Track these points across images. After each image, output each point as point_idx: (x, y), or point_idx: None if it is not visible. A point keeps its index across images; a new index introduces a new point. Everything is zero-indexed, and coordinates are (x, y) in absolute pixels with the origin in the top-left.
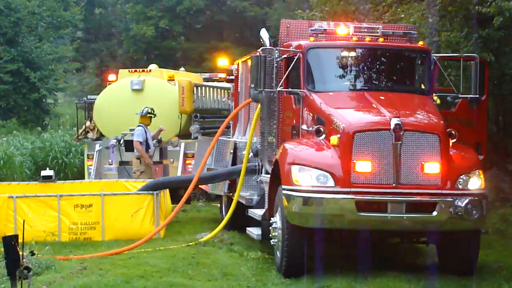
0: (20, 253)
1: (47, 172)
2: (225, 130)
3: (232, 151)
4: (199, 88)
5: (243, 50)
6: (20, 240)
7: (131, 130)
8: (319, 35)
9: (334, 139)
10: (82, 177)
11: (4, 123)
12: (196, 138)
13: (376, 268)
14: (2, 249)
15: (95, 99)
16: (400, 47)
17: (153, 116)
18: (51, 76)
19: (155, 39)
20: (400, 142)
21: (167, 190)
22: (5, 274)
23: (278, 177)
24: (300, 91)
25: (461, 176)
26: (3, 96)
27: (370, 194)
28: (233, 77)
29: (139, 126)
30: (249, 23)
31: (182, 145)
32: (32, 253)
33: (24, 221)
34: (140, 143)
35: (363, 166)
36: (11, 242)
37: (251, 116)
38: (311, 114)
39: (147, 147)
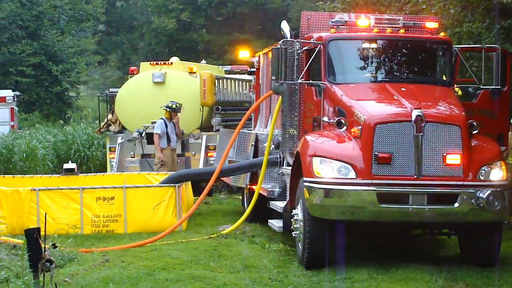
0: (43, 246)
1: (70, 165)
2: (247, 122)
3: (253, 143)
4: (220, 80)
5: (264, 42)
6: (42, 233)
7: (153, 123)
8: (340, 26)
9: (355, 131)
10: (104, 170)
11: (26, 116)
12: (217, 130)
13: (397, 260)
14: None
15: (117, 92)
16: (421, 38)
17: (169, 110)
18: (73, 69)
19: (177, 31)
20: (421, 134)
21: (189, 182)
22: (28, 267)
23: (299, 169)
24: (321, 83)
25: (483, 168)
26: (25, 90)
27: (392, 186)
28: (254, 69)
29: (160, 119)
30: (270, 15)
31: (204, 137)
32: (55, 246)
33: (46, 214)
34: (159, 135)
35: (384, 158)
36: (33, 235)
37: (273, 108)
38: (332, 106)
39: (168, 140)
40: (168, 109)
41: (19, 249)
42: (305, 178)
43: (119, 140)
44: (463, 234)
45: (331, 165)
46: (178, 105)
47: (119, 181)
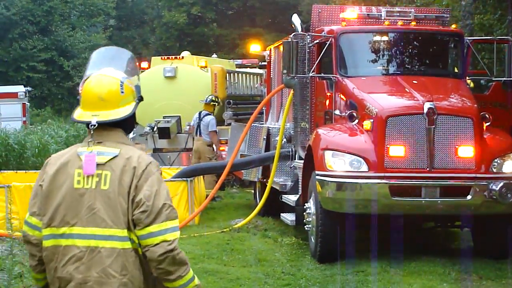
0: None
1: None
2: (258, 116)
3: (265, 137)
4: (231, 74)
5: (275, 36)
6: None
7: (164, 117)
8: (351, 20)
9: (367, 124)
10: None
11: (38, 112)
12: (229, 124)
13: (410, 253)
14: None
15: None
16: (432, 30)
17: (216, 104)
18: (84, 65)
19: (187, 26)
20: (433, 126)
21: (201, 176)
22: None
23: (311, 163)
24: (332, 76)
25: (496, 160)
26: (37, 85)
27: (404, 178)
28: (265, 63)
29: (208, 114)
30: (281, 9)
31: None
32: None
33: None
34: (216, 132)
35: (396, 150)
36: None
37: (284, 102)
38: (344, 99)
39: (200, 134)
40: (216, 103)
41: None
42: (317, 172)
43: (131, 134)
44: (476, 226)
45: (343, 158)
46: (217, 98)
47: None
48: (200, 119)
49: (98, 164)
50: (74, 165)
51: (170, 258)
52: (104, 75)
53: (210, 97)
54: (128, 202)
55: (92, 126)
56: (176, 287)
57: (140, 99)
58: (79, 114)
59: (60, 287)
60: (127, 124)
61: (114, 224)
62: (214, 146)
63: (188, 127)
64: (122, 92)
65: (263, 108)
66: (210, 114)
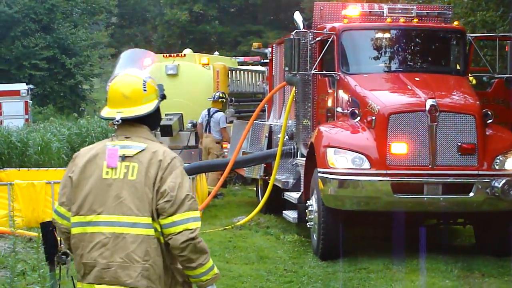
0: (58, 238)
1: None
2: (260, 113)
3: (267, 134)
4: (233, 72)
5: (277, 33)
6: None
7: (167, 114)
8: (353, 17)
9: (369, 121)
10: None
11: (40, 110)
12: (231, 122)
13: (412, 250)
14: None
15: None
16: (435, 27)
17: (224, 100)
18: (86, 62)
19: (189, 23)
20: (435, 124)
21: (203, 174)
22: (43, 260)
23: (313, 160)
24: (334, 73)
25: (498, 157)
26: (39, 83)
27: (406, 176)
28: (267, 60)
29: (218, 111)
30: (283, 6)
31: None
32: None
33: None
34: (225, 128)
35: (398, 148)
36: (49, 228)
37: (286, 100)
38: (346, 97)
39: (209, 131)
40: (224, 99)
41: (34, 242)
42: (319, 169)
43: None
44: (478, 223)
45: (346, 155)
46: (224, 95)
47: None
48: (210, 116)
49: (126, 156)
50: (103, 157)
51: (192, 246)
52: (129, 74)
53: (218, 94)
54: (153, 193)
55: (116, 122)
56: (197, 274)
57: (163, 97)
58: (105, 111)
59: (85, 273)
60: (151, 121)
61: (140, 212)
62: (221, 143)
63: (190, 124)
64: (145, 91)
65: (265, 105)
66: (219, 111)
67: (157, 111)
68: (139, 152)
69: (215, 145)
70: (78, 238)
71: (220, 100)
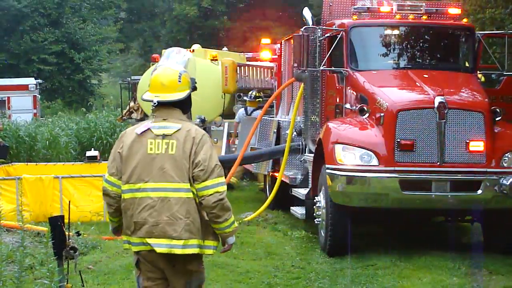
0: (66, 233)
1: (92, 152)
2: (269, 109)
3: (275, 130)
4: (242, 67)
5: (286, 29)
6: (66, 221)
7: None
8: (362, 13)
9: (377, 117)
10: None
11: (49, 104)
12: None
13: (420, 247)
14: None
15: (139, 79)
16: (444, 24)
17: (261, 99)
18: (95, 57)
19: (198, 19)
20: (444, 121)
21: None
22: (52, 254)
23: (321, 156)
24: (343, 70)
25: (506, 154)
26: (48, 77)
27: (414, 172)
28: (276, 56)
29: (255, 110)
30: (292, 2)
31: (226, 124)
32: (78, 233)
33: (69, 201)
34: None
35: (407, 144)
36: (57, 222)
37: (294, 96)
38: (355, 93)
39: None
40: (258, 99)
41: (42, 237)
42: (327, 165)
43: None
44: (486, 221)
45: (354, 152)
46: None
47: None
48: (248, 115)
49: (166, 135)
50: (147, 136)
51: (221, 205)
52: (168, 67)
53: (254, 93)
54: (189, 163)
55: (154, 104)
56: (222, 227)
57: (194, 88)
58: (146, 95)
59: (135, 228)
60: (184, 105)
61: (180, 180)
62: None
63: (198, 120)
64: (180, 81)
65: (274, 101)
66: (257, 109)
67: (188, 98)
68: (176, 131)
69: None
70: (128, 202)
71: (257, 99)
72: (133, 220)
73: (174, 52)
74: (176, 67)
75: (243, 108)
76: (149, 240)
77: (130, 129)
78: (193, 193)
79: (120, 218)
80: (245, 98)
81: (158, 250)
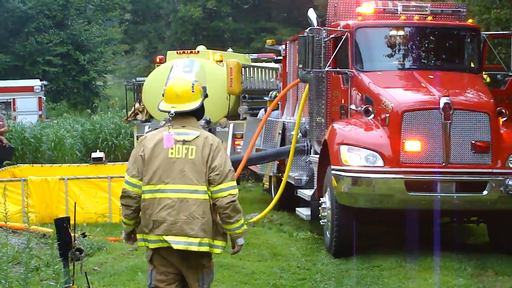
0: (72, 235)
1: (98, 154)
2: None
3: (280, 131)
4: (247, 69)
5: (291, 30)
6: (71, 222)
7: None
8: (367, 14)
9: (383, 118)
10: None
11: (54, 106)
12: (244, 119)
13: (425, 248)
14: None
15: (144, 81)
16: (449, 25)
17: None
18: (100, 59)
19: (203, 20)
20: (449, 121)
21: None
22: (57, 256)
23: (327, 157)
24: (348, 71)
25: None
26: (53, 79)
27: (420, 173)
28: (281, 57)
29: (275, 110)
30: (297, 3)
31: (231, 126)
32: (84, 235)
33: (75, 203)
34: None
35: (412, 145)
36: (63, 224)
37: (300, 97)
38: (360, 94)
39: None
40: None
41: (48, 238)
42: (332, 166)
43: (147, 129)
44: (492, 222)
45: (359, 153)
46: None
47: None
48: None
49: (185, 141)
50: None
51: (233, 206)
52: (181, 78)
53: (275, 93)
54: (207, 168)
55: (171, 114)
56: (233, 228)
57: (206, 96)
58: (162, 105)
59: (153, 227)
60: (198, 113)
61: (198, 182)
62: None
63: (203, 121)
64: (193, 91)
65: (279, 102)
66: (276, 109)
67: (201, 106)
68: (195, 138)
69: None
70: (148, 202)
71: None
72: (152, 219)
73: (184, 62)
74: (188, 77)
75: (263, 109)
76: (167, 238)
77: (150, 134)
78: (209, 195)
79: (135, 221)
80: (265, 97)
81: (176, 246)
